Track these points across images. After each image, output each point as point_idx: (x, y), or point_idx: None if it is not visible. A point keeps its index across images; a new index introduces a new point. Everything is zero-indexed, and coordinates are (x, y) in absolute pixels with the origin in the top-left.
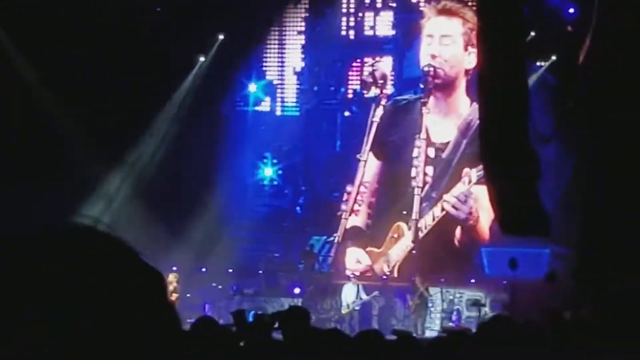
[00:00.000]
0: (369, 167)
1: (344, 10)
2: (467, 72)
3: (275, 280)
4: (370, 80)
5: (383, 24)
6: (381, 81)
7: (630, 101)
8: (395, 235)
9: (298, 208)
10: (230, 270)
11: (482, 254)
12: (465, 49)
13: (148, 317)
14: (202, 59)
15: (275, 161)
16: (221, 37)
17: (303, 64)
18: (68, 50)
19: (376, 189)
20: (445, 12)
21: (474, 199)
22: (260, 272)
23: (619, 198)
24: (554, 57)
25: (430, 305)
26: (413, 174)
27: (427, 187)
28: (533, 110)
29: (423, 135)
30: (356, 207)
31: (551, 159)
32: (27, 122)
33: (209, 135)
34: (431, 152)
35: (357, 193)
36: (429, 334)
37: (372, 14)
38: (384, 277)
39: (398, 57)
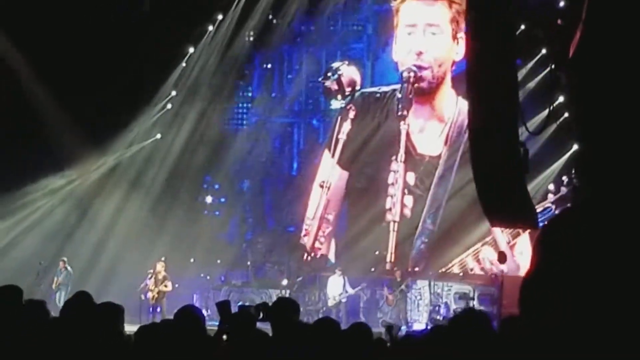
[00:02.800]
0: (335, 187)
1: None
2: (453, 63)
3: (263, 272)
4: (336, 87)
5: (350, 17)
6: (349, 89)
7: (622, 95)
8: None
9: (244, 245)
10: (219, 261)
11: None
12: (454, 39)
13: None
14: (191, 49)
15: (217, 187)
16: (210, 28)
17: (252, 66)
18: (57, 41)
19: (338, 217)
20: None
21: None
22: (248, 263)
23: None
24: (544, 51)
25: (418, 297)
26: (388, 204)
27: (412, 220)
28: (522, 102)
29: (401, 157)
30: (317, 244)
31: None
32: (18, 109)
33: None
34: (411, 178)
35: (319, 227)
36: (417, 326)
37: (333, 3)
38: (372, 269)
39: (370, 58)
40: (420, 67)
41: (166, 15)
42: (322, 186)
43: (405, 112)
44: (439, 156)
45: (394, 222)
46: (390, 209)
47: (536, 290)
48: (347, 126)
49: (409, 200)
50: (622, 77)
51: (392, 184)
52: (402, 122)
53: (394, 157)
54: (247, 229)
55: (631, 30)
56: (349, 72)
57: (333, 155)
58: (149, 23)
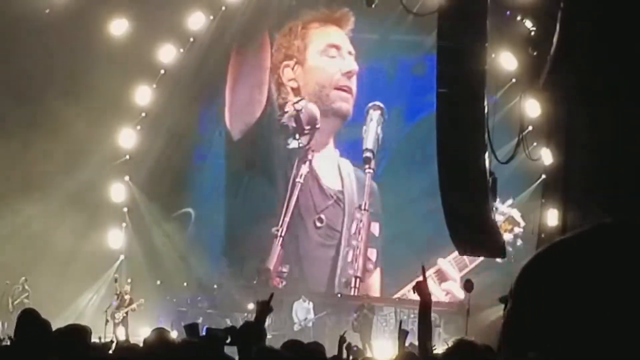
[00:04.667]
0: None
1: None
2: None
3: (229, 295)
4: (294, 125)
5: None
6: (308, 127)
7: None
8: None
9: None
10: (185, 284)
11: None
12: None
13: None
14: (162, 71)
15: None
16: (181, 50)
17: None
18: (31, 58)
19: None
20: (326, 20)
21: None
22: (214, 286)
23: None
24: (513, 80)
25: (384, 324)
26: (349, 257)
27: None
28: (491, 131)
29: (365, 204)
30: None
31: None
32: None
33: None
34: (375, 229)
35: (273, 278)
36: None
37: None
38: (338, 295)
39: None
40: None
41: (140, 35)
42: (275, 235)
43: (369, 154)
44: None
45: (356, 277)
46: (351, 262)
47: (521, 327)
48: (305, 169)
49: (372, 253)
50: (590, 108)
51: (355, 234)
52: (367, 166)
53: (357, 205)
54: (202, 271)
55: (601, 60)
56: (308, 107)
57: (289, 202)
58: (121, 42)
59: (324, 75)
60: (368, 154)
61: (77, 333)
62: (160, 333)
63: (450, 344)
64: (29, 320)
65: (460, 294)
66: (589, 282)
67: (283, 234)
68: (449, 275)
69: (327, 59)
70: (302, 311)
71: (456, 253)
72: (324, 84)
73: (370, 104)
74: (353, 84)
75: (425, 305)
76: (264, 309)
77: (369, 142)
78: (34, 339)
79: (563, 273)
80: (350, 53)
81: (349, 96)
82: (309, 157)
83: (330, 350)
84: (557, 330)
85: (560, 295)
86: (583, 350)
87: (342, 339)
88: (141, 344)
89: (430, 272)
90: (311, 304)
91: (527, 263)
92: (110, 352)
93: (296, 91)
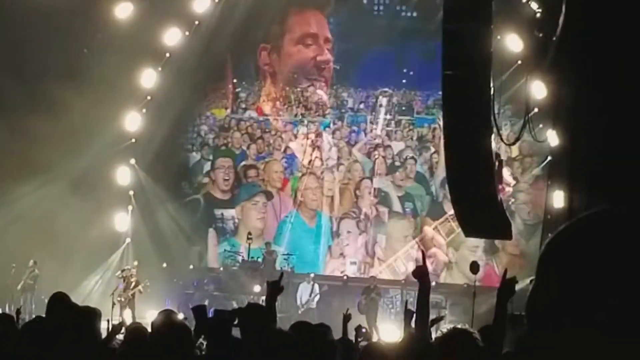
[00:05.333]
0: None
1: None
2: None
3: (236, 278)
4: (302, 111)
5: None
6: (316, 114)
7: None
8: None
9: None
10: (191, 267)
11: None
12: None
13: None
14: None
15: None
16: (187, 33)
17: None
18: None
19: None
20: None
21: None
22: (220, 269)
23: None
24: (519, 62)
25: (390, 306)
26: (360, 241)
27: None
28: (497, 113)
29: (374, 191)
30: None
31: None
32: None
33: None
34: (384, 215)
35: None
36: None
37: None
38: (344, 276)
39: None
40: None
41: (145, 18)
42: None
43: (378, 140)
44: None
45: (365, 263)
46: (360, 247)
47: (547, 302)
48: (315, 154)
49: (382, 239)
50: (596, 90)
51: (364, 219)
52: (376, 152)
53: (367, 191)
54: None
55: (605, 43)
56: (317, 93)
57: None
58: (126, 26)
59: (298, 63)
60: (377, 140)
61: (88, 315)
62: (167, 315)
63: (445, 331)
64: (61, 303)
65: (444, 258)
66: (613, 259)
67: (292, 220)
68: (435, 241)
69: (302, 47)
70: (307, 293)
71: (441, 219)
72: (298, 72)
73: (378, 90)
74: (328, 73)
75: (425, 291)
76: (275, 289)
77: (378, 128)
78: (64, 319)
79: (587, 250)
80: (327, 40)
81: (323, 85)
82: (318, 143)
83: (334, 332)
84: (581, 307)
85: (585, 272)
86: (608, 325)
87: (346, 317)
88: (148, 327)
89: (416, 240)
90: (317, 286)
91: (549, 240)
92: (121, 334)
93: (272, 76)
